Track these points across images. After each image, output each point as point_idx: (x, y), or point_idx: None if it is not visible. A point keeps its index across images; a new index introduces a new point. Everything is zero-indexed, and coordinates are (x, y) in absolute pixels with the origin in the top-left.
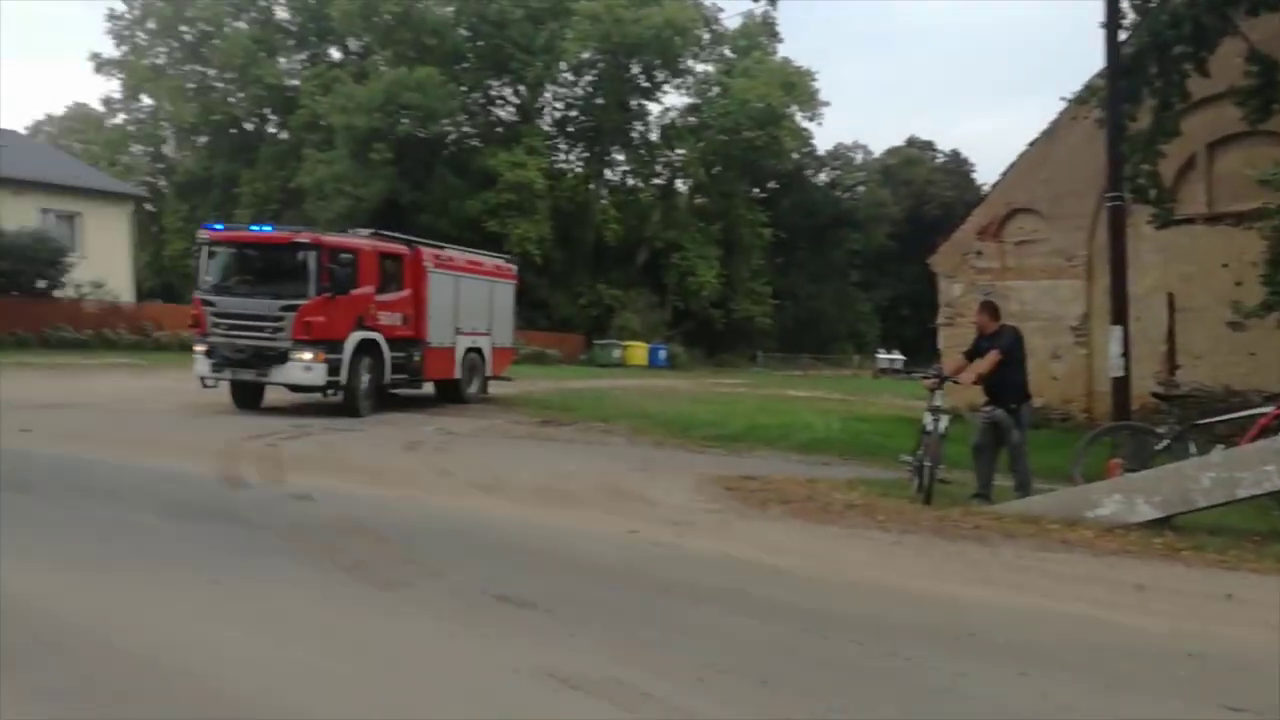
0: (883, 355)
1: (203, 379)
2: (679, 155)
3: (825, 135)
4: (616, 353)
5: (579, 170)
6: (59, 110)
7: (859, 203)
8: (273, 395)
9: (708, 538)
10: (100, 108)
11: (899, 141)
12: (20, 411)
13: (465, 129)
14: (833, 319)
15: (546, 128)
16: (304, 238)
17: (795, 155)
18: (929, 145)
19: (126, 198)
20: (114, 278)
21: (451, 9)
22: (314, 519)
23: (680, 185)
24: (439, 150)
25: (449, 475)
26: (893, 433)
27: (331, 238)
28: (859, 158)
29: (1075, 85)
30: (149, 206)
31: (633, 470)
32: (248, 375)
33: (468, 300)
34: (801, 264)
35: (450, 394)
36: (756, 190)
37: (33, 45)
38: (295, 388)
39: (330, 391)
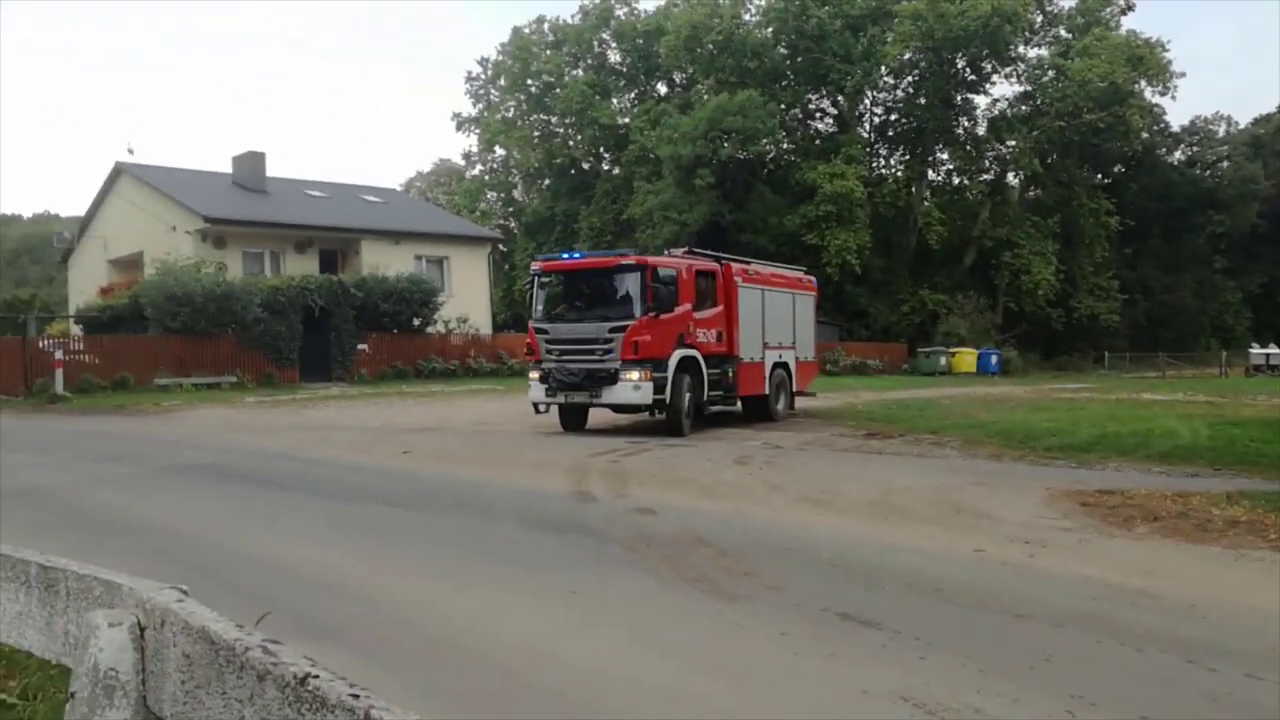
0: (1257, 350)
1: (535, 404)
2: (1009, 147)
3: (1180, 109)
4: (942, 360)
5: (899, 174)
6: (426, 167)
7: (1222, 180)
8: (594, 417)
9: (1064, 558)
10: (460, 161)
11: (1270, 108)
12: (401, 434)
13: (783, 145)
14: (1192, 312)
15: (865, 134)
16: (629, 259)
17: (1144, 134)
18: None
19: (485, 240)
20: (475, 312)
21: (770, 30)
22: (656, 532)
23: (1011, 179)
24: (758, 169)
25: (779, 489)
26: (1276, 438)
27: (653, 258)
28: (1221, 130)
29: None
30: (502, 247)
31: (971, 484)
32: (580, 397)
33: (773, 314)
34: (1154, 253)
35: (758, 411)
36: (1099, 176)
37: (405, 112)
38: (622, 408)
39: (656, 411)
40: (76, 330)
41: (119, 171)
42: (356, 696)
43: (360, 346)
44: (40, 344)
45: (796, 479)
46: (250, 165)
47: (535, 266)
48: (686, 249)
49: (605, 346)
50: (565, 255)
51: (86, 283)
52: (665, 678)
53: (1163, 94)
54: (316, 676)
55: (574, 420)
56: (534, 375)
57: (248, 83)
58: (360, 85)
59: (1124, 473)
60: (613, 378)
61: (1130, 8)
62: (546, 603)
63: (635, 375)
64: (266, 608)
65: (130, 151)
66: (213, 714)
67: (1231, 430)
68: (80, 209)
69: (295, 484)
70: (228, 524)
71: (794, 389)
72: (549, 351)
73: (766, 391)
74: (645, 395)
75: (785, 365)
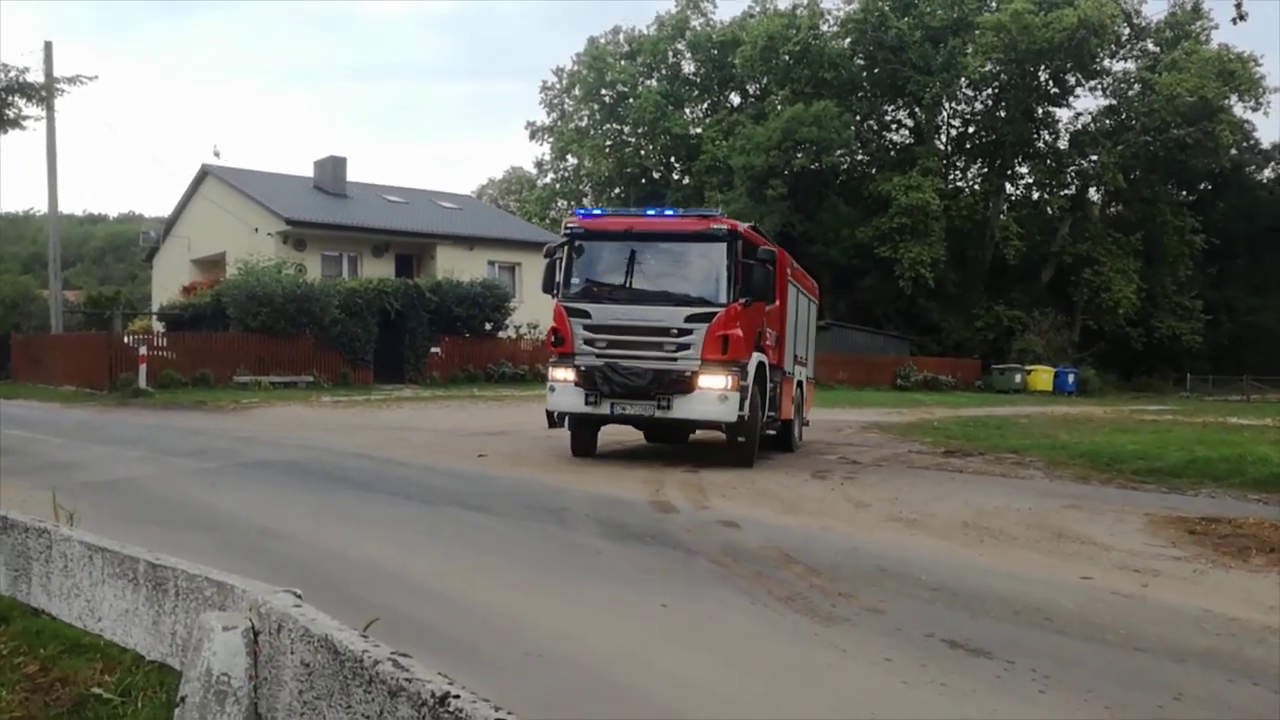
0: None
1: (555, 414)
2: (1092, 162)
3: (1272, 126)
4: (1017, 378)
5: (976, 187)
6: (499, 174)
7: None
8: (607, 435)
9: (1180, 589)
10: (532, 169)
11: None
12: (474, 437)
13: (858, 157)
14: (1279, 335)
15: (942, 147)
16: (719, 224)
17: (1233, 151)
18: None
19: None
20: (545, 319)
21: (848, 40)
22: (742, 546)
23: (1093, 194)
24: (831, 181)
25: (864, 507)
26: None
27: (746, 228)
28: None
29: None
30: None
31: (1065, 507)
32: (639, 409)
33: (801, 320)
34: (1240, 273)
35: (778, 439)
36: (1185, 194)
37: (479, 121)
38: (695, 425)
39: (735, 433)
40: (159, 327)
41: (204, 174)
42: None
43: (433, 349)
44: (124, 340)
45: (881, 497)
46: (331, 170)
47: (571, 224)
48: (750, 225)
49: (679, 340)
50: (623, 212)
51: (170, 281)
52: (769, 700)
53: (1254, 109)
54: (457, 696)
55: (586, 442)
56: (561, 373)
57: (332, 89)
58: (438, 93)
59: (1219, 499)
60: (687, 384)
61: (1242, 17)
62: (638, 616)
63: (723, 382)
64: (354, 609)
65: (216, 154)
66: None
67: None
68: (165, 210)
69: (373, 483)
70: (309, 522)
71: (805, 414)
72: (589, 342)
73: (792, 415)
74: (730, 409)
75: (802, 385)
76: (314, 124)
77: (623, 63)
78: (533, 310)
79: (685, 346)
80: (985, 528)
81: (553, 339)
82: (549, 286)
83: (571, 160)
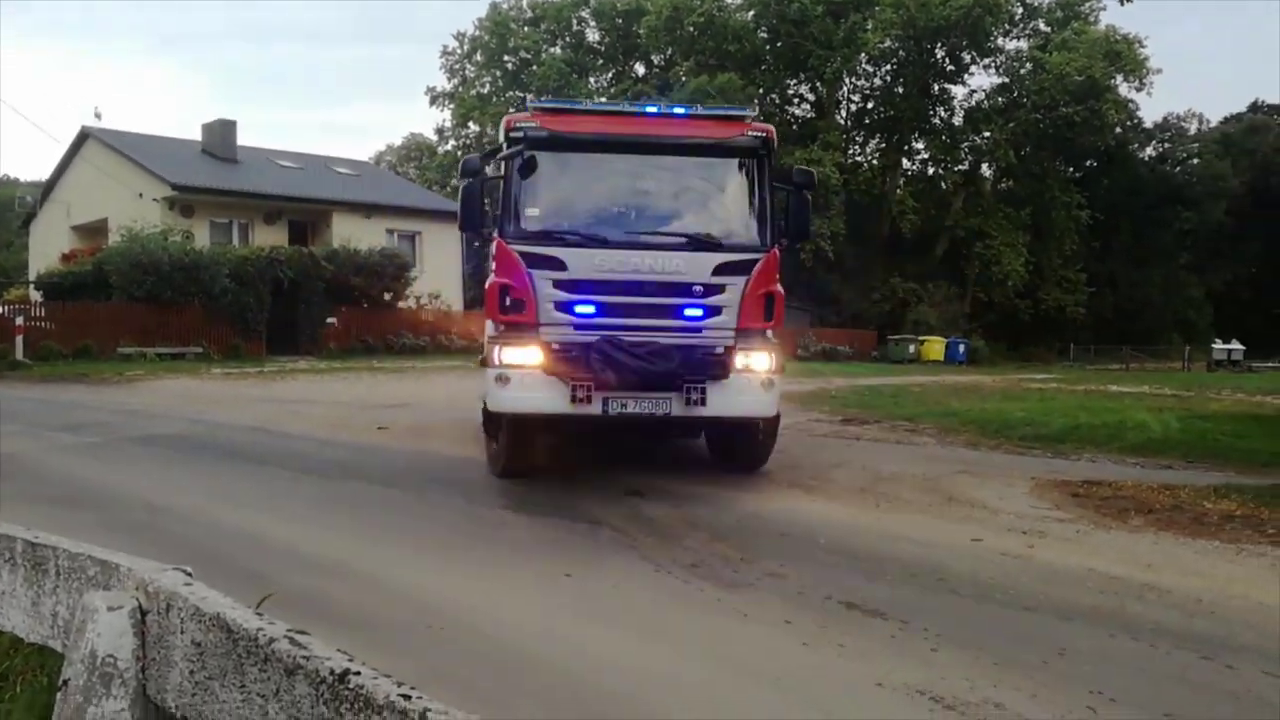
0: (1219, 346)
1: (496, 419)
2: (985, 138)
3: (1154, 105)
4: (911, 348)
5: (875, 162)
6: (397, 141)
7: (1192, 177)
8: None
9: (1064, 549)
10: (433, 136)
11: (1241, 107)
12: (375, 410)
13: None
14: (1157, 307)
15: (842, 121)
16: (757, 129)
17: (1118, 130)
18: (1278, 110)
19: (484, 161)
20: (447, 289)
21: (751, 13)
22: (646, 515)
23: (985, 170)
24: None
25: (765, 474)
26: (1246, 432)
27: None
28: (1193, 128)
29: None
30: None
31: (957, 472)
32: (652, 405)
33: None
34: (1122, 248)
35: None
36: (1072, 170)
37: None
38: (726, 424)
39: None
40: (37, 296)
41: (85, 136)
42: (408, 697)
43: (329, 320)
44: None
45: (782, 464)
46: (220, 134)
47: (523, 123)
48: None
49: (706, 301)
50: (603, 108)
51: (48, 249)
52: (671, 666)
53: (1138, 90)
54: (358, 673)
55: (533, 453)
56: (516, 354)
57: (222, 50)
58: (333, 57)
59: (1100, 464)
60: (722, 366)
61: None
62: (544, 586)
63: (766, 362)
64: (251, 586)
65: (98, 116)
66: (229, 708)
67: (1201, 424)
68: (43, 174)
69: (269, 458)
70: (202, 498)
71: None
72: (563, 306)
73: None
74: (773, 401)
75: None
76: (202, 87)
77: (526, 29)
78: (434, 280)
79: (714, 310)
80: (881, 493)
81: (500, 302)
82: (473, 221)
83: (474, 127)
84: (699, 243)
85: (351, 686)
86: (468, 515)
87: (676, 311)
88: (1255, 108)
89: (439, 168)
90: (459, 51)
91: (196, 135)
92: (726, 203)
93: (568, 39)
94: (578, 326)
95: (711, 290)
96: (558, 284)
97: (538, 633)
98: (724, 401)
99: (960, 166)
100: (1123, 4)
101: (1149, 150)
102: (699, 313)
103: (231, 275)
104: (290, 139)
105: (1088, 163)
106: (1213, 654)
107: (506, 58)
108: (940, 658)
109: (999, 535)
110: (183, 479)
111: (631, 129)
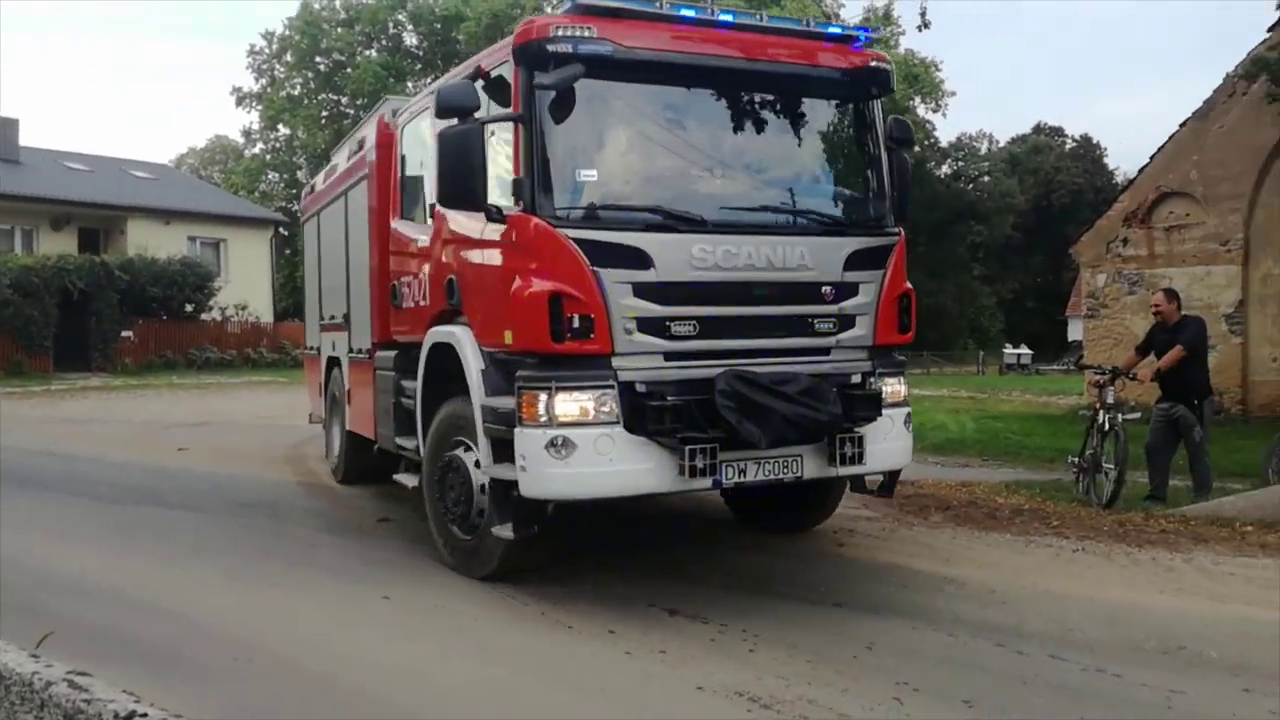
0: (1009, 350)
1: (536, 507)
2: None
3: (949, 126)
4: None
5: None
6: (200, 143)
7: (983, 194)
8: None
9: (872, 547)
10: (239, 139)
11: (1026, 129)
12: (174, 430)
13: None
14: (954, 315)
15: None
16: (875, 57)
17: (916, 149)
18: (1058, 131)
19: (267, 223)
20: (255, 299)
21: None
22: None
23: None
24: None
25: None
26: (1032, 430)
27: None
28: (984, 148)
29: (1218, 63)
30: (283, 230)
31: None
32: (778, 469)
33: None
34: (921, 260)
35: None
36: None
37: (175, 82)
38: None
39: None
40: None
41: None
42: None
43: (125, 334)
44: None
45: None
46: (1, 133)
47: (576, 31)
48: None
49: (837, 309)
50: (659, 11)
51: None
52: (499, 684)
53: (934, 111)
54: (144, 715)
55: (536, 555)
56: (583, 407)
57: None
58: (131, 52)
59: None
60: (875, 402)
61: (927, 25)
62: (361, 610)
63: (903, 390)
64: (33, 624)
65: None
66: None
67: (994, 424)
68: None
69: (56, 483)
70: None
71: None
72: (650, 326)
73: None
74: (907, 450)
75: None
76: None
77: (339, 30)
78: (240, 290)
79: (848, 322)
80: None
81: (554, 322)
82: (468, 187)
83: (284, 130)
84: (825, 223)
85: None
86: (277, 538)
87: (803, 326)
88: (1038, 129)
89: (246, 172)
90: (267, 51)
91: None
92: (843, 164)
93: (384, 42)
94: (671, 355)
95: (844, 292)
96: (639, 290)
97: (353, 658)
98: (879, 452)
99: None
100: (920, 30)
101: (944, 168)
102: (831, 325)
103: (13, 286)
104: (82, 141)
105: None
106: (1005, 641)
107: (319, 59)
108: (757, 658)
109: (811, 536)
110: None
111: (716, 48)
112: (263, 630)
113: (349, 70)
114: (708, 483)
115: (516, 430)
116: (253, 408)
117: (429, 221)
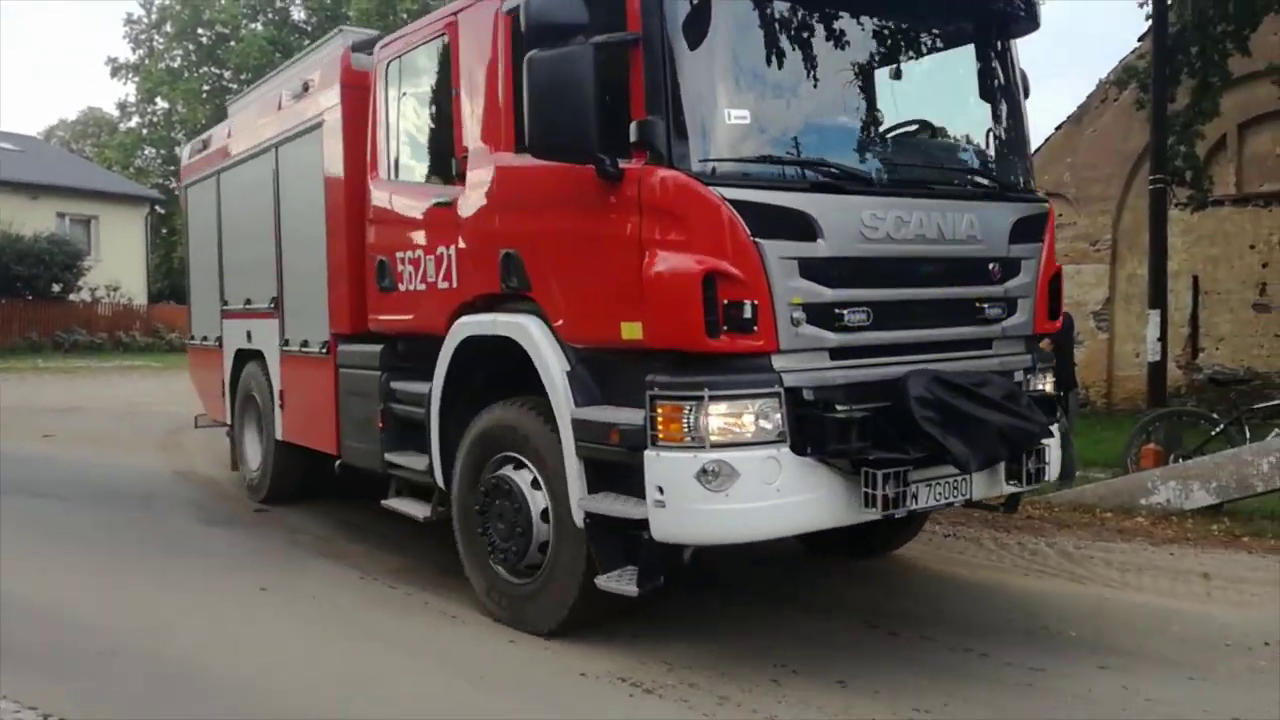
0: None
1: (684, 555)
2: None
3: None
4: None
5: None
6: (71, 115)
7: None
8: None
9: None
10: (114, 112)
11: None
12: (41, 415)
13: None
14: None
15: None
16: None
17: None
18: None
19: (142, 200)
20: (128, 280)
21: None
22: (354, 523)
23: None
24: None
25: None
26: None
27: None
28: None
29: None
30: (160, 209)
31: None
32: (949, 491)
33: None
34: None
35: None
36: None
37: (44, 50)
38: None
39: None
40: None
41: None
42: None
43: None
44: None
45: None
46: None
47: None
48: None
49: (1004, 290)
50: None
51: None
52: (379, 672)
53: None
54: None
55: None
56: (743, 423)
57: None
58: None
59: None
60: (1051, 405)
61: None
62: (236, 601)
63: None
64: None
65: None
66: None
67: None
68: None
69: None
70: None
71: None
72: (818, 315)
73: None
74: (1059, 457)
75: None
76: None
77: (223, 1)
78: (112, 270)
79: (1010, 307)
80: None
81: (709, 312)
82: (578, 128)
83: (162, 104)
84: (989, 186)
85: None
86: (149, 529)
87: (969, 312)
88: None
89: (120, 146)
90: (146, 20)
91: None
92: (1001, 115)
93: (271, 15)
94: (837, 352)
95: (1010, 270)
96: (806, 268)
97: (227, 650)
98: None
99: None
100: None
101: None
102: (1000, 311)
103: None
104: None
105: None
106: (878, 622)
107: (201, 30)
108: (641, 644)
109: None
110: None
111: None
112: (130, 623)
113: (233, 44)
114: (877, 510)
115: (648, 454)
116: (125, 393)
117: (456, 177)
